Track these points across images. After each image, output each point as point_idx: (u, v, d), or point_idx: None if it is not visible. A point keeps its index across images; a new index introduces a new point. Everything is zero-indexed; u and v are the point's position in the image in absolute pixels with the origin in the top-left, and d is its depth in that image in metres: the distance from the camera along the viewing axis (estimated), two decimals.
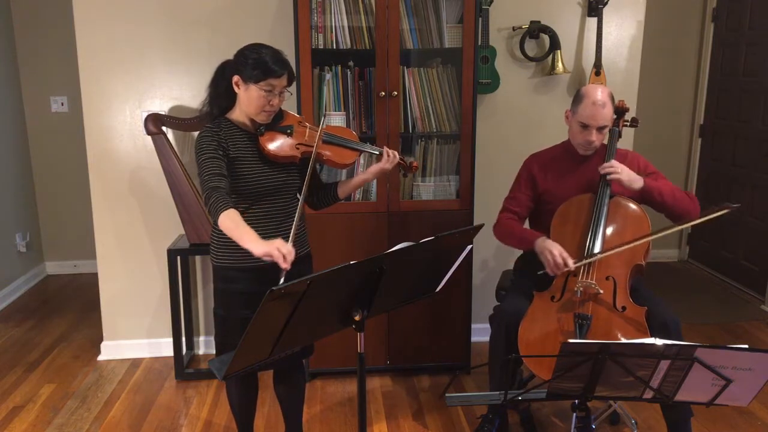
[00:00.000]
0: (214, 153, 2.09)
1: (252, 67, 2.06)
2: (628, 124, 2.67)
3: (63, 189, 4.73)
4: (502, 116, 3.45)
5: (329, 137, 2.28)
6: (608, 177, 2.44)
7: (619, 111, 2.63)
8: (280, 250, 1.88)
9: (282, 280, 1.89)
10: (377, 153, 2.33)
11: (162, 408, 3.01)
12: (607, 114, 2.46)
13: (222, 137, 2.12)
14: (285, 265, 1.88)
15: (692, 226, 2.24)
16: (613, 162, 2.47)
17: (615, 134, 2.58)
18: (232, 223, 1.98)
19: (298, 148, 2.19)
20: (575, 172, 2.61)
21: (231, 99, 2.17)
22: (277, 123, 2.21)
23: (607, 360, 1.63)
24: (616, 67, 3.47)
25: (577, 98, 2.52)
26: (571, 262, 2.35)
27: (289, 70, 2.12)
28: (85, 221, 4.06)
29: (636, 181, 2.46)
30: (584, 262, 2.37)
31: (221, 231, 2.19)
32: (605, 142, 2.58)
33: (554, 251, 2.36)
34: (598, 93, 2.46)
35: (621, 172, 2.43)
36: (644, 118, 3.29)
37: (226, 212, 1.99)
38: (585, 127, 2.48)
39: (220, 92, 2.17)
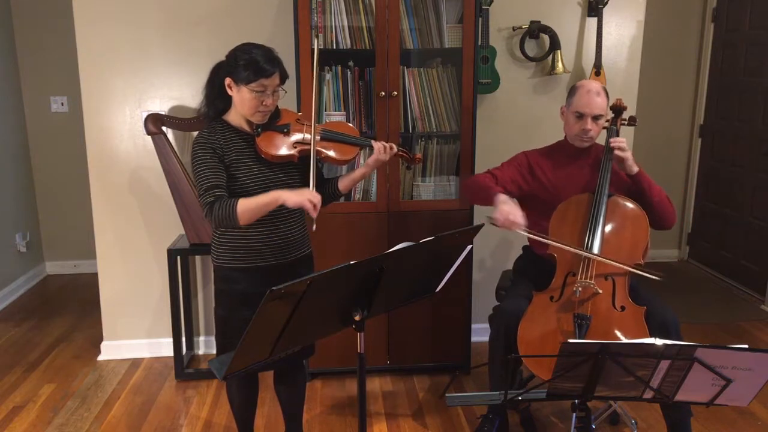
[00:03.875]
0: (210, 162, 2.08)
1: (243, 68, 2.05)
2: (626, 123, 2.68)
3: (63, 189, 4.74)
4: (502, 116, 3.45)
5: (327, 134, 2.26)
6: (617, 151, 2.47)
7: (617, 110, 2.64)
8: (311, 201, 2.00)
9: (314, 226, 2.06)
10: (368, 145, 2.30)
11: (162, 408, 3.01)
12: (602, 103, 2.49)
13: (217, 142, 2.11)
14: (314, 214, 2.01)
15: (622, 270, 2.36)
16: (623, 140, 2.51)
17: (613, 133, 2.59)
18: (251, 207, 2.04)
19: (295, 147, 2.18)
20: (571, 169, 2.62)
21: (227, 100, 2.16)
22: (274, 122, 2.20)
23: (607, 360, 1.63)
24: (616, 67, 3.48)
25: (572, 91, 2.58)
26: (522, 226, 2.33)
27: (280, 68, 2.10)
28: (85, 221, 4.06)
29: (634, 165, 2.51)
30: (534, 236, 2.38)
31: (222, 231, 2.20)
32: (602, 143, 2.59)
33: (516, 209, 2.35)
34: (593, 83, 2.53)
35: (627, 150, 2.49)
36: (644, 118, 3.30)
37: (238, 209, 2.02)
38: (580, 116, 2.51)
39: (216, 94, 2.16)
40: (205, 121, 2.21)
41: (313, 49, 2.42)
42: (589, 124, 2.50)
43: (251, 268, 2.19)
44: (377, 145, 2.27)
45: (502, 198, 2.41)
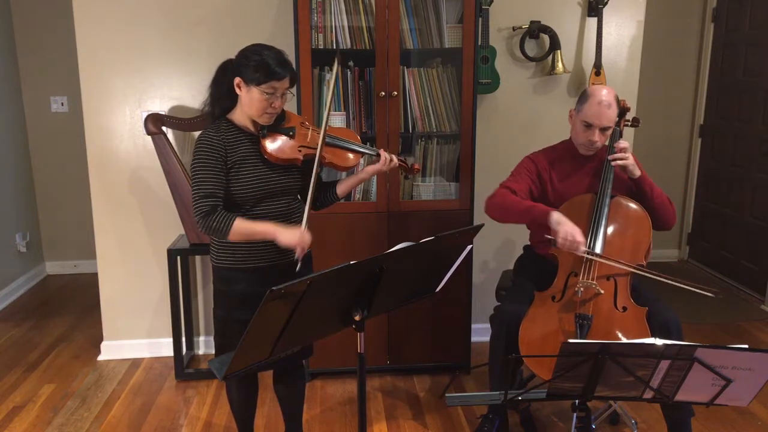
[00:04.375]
0: (211, 166, 2.08)
1: (254, 69, 2.05)
2: (629, 124, 2.68)
3: (63, 189, 4.74)
4: (502, 116, 3.45)
5: (332, 139, 2.26)
6: (617, 163, 2.47)
7: (621, 111, 2.63)
8: (301, 245, 2.08)
9: (298, 266, 2.15)
10: (374, 154, 2.33)
11: (162, 408, 3.01)
12: (612, 115, 2.47)
13: (221, 142, 2.11)
14: (301, 255, 2.11)
15: (674, 285, 2.30)
16: (626, 144, 2.50)
17: (616, 134, 2.59)
18: (244, 232, 2.09)
19: (300, 151, 2.19)
20: (578, 171, 2.61)
21: (233, 99, 2.16)
22: (279, 124, 2.20)
23: (607, 360, 1.63)
24: (616, 67, 3.47)
25: (583, 97, 2.53)
26: (583, 248, 2.32)
27: (291, 71, 2.11)
28: (85, 221, 4.06)
29: (637, 169, 2.51)
30: (593, 257, 2.36)
31: None
32: (607, 143, 2.59)
33: (576, 228, 2.33)
34: (604, 93, 2.47)
35: (628, 157, 2.49)
36: (644, 118, 3.29)
37: (233, 228, 2.07)
38: (588, 126, 2.49)
39: (222, 93, 2.15)
40: (209, 120, 2.21)
41: (333, 49, 2.43)
42: (597, 136, 2.48)
43: (250, 268, 2.19)
44: (384, 156, 2.30)
45: (557, 218, 2.37)
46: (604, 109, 2.45)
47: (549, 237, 2.37)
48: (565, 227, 2.33)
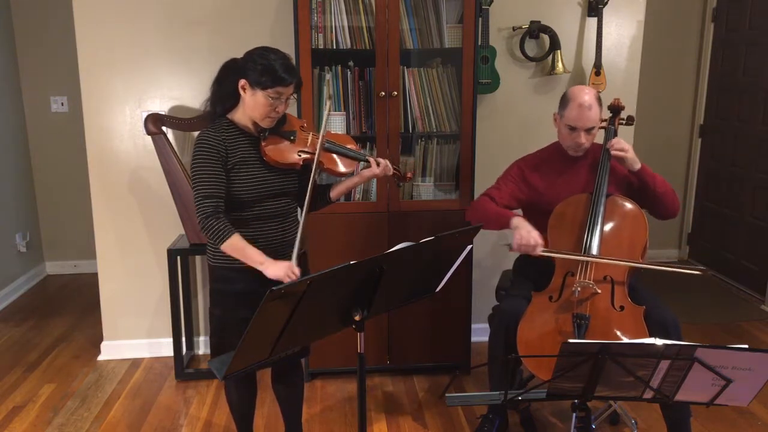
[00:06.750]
0: (211, 167, 2.08)
1: (260, 73, 2.04)
2: (624, 122, 2.68)
3: (63, 189, 4.74)
4: (502, 116, 3.45)
5: (330, 145, 2.27)
6: (616, 154, 2.46)
7: (615, 109, 2.64)
8: (289, 276, 2.03)
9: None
10: (367, 163, 2.29)
11: (162, 408, 3.01)
12: (594, 116, 2.47)
13: (221, 142, 2.10)
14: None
15: (661, 272, 2.33)
16: (620, 140, 2.50)
17: (611, 133, 2.59)
18: (237, 248, 2.08)
19: (299, 155, 2.19)
20: (568, 172, 2.61)
21: (235, 99, 2.15)
22: (280, 127, 2.20)
23: (607, 360, 1.63)
24: (616, 67, 3.48)
25: (564, 101, 2.53)
26: (540, 249, 2.36)
27: (297, 78, 2.11)
28: (85, 221, 4.06)
29: (637, 162, 2.51)
30: (553, 255, 2.39)
31: None
32: (600, 142, 2.59)
33: (532, 232, 2.37)
34: (585, 95, 2.46)
35: (628, 150, 2.48)
36: (644, 118, 3.30)
37: (228, 241, 2.06)
38: (573, 129, 2.49)
39: (225, 92, 2.15)
40: (209, 119, 2.20)
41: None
42: (582, 137, 2.49)
43: (247, 267, 2.18)
44: (374, 164, 2.28)
45: (515, 222, 2.43)
46: (585, 112, 2.44)
47: (506, 244, 2.40)
48: (520, 231, 2.38)
